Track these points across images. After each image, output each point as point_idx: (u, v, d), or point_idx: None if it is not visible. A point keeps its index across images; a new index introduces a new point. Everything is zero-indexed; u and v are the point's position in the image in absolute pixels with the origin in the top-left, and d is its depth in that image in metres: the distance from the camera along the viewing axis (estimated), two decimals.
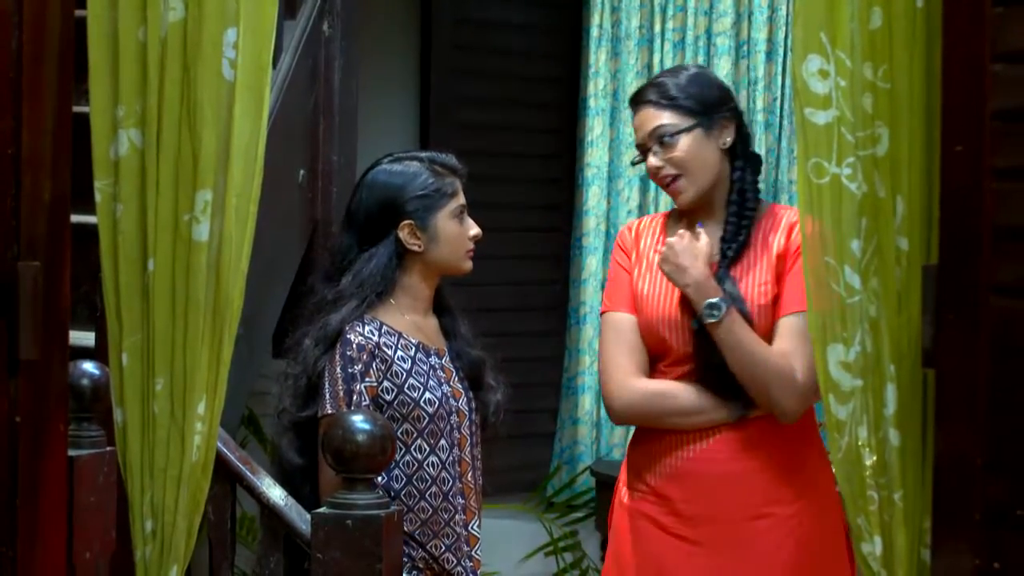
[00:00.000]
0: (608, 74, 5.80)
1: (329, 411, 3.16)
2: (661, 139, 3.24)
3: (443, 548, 3.21)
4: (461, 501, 3.23)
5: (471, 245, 3.37)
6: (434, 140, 5.59)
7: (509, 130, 5.81)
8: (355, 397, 3.13)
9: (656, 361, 3.30)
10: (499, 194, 5.63)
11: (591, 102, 5.79)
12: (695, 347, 3.22)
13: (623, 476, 3.37)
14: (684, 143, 3.24)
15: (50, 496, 2.39)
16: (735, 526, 3.21)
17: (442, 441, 3.20)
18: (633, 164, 3.43)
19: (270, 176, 2.84)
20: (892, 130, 2.35)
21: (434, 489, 3.19)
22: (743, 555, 3.20)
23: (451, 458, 3.21)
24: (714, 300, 3.16)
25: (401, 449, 3.17)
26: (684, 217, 3.34)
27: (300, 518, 3.35)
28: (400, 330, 3.24)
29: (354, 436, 3.02)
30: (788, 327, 3.18)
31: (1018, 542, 2.15)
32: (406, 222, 3.28)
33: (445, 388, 3.25)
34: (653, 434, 3.30)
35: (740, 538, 3.20)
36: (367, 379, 3.16)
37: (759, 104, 5.65)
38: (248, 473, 3.42)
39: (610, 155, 5.80)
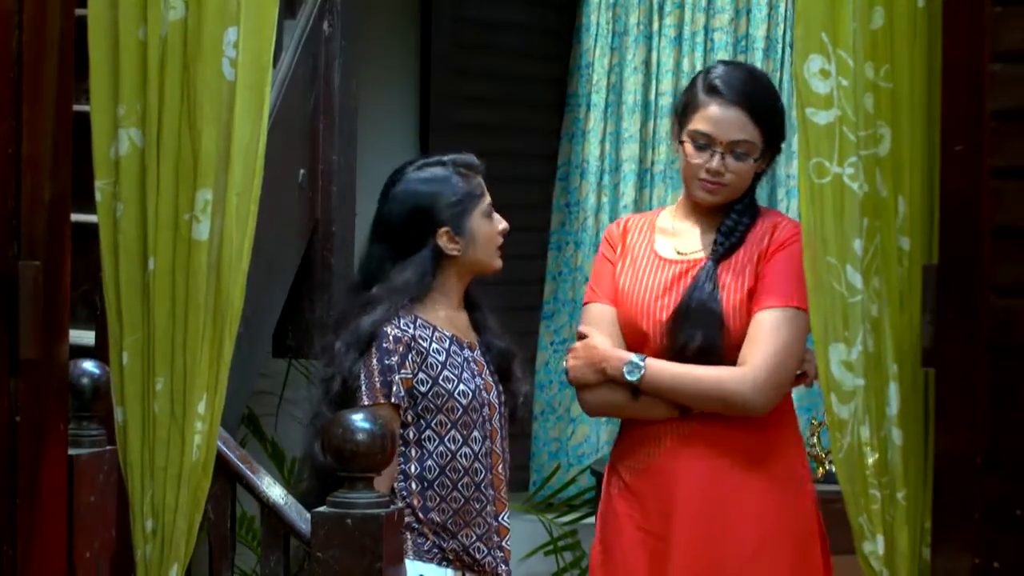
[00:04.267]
0: (603, 69, 5.80)
1: (366, 402, 3.19)
2: (736, 152, 3.25)
3: (473, 538, 3.24)
4: (492, 492, 3.27)
5: (500, 240, 3.40)
6: (434, 140, 5.58)
7: (509, 130, 5.80)
8: (393, 388, 3.19)
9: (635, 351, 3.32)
10: (499, 194, 5.60)
11: (584, 98, 5.79)
12: (670, 338, 3.24)
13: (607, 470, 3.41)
14: (748, 165, 3.28)
15: (50, 495, 2.40)
16: (707, 522, 3.22)
17: (475, 432, 3.25)
18: (681, 142, 3.35)
19: (270, 175, 2.84)
20: (894, 130, 2.36)
21: (466, 480, 3.24)
22: (715, 551, 3.21)
23: (483, 449, 3.26)
24: (628, 361, 3.25)
25: (435, 440, 3.23)
26: (683, 211, 3.36)
27: (300, 517, 3.35)
28: (435, 323, 3.28)
29: (354, 435, 3.02)
30: (755, 321, 3.22)
31: (1018, 541, 2.16)
32: (444, 229, 3.31)
33: (478, 380, 3.29)
34: (629, 429, 3.33)
35: (712, 534, 3.21)
36: (403, 371, 3.21)
37: None
38: (248, 472, 3.41)
39: (602, 149, 5.80)
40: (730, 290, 3.24)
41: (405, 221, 3.33)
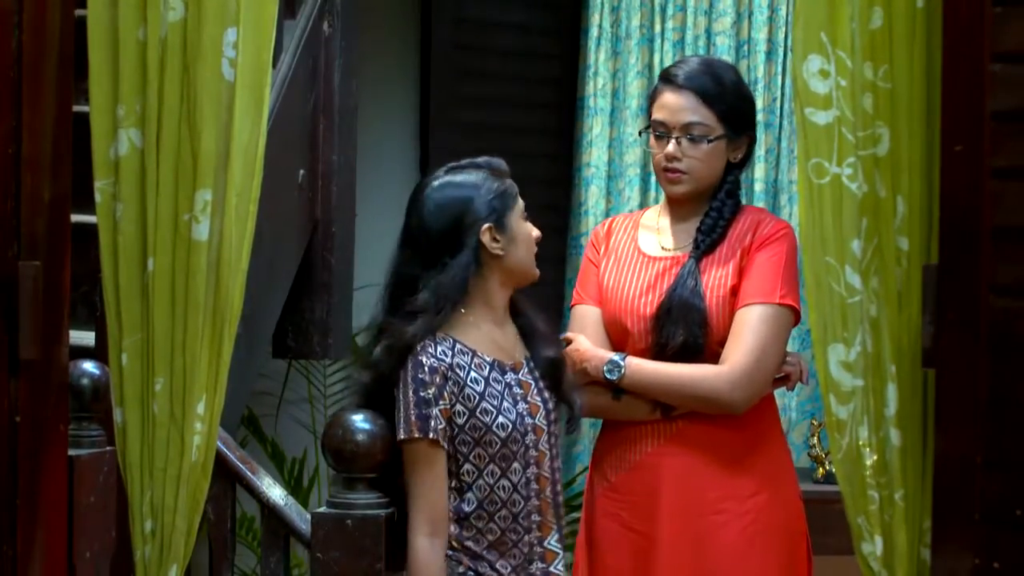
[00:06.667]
0: (608, 73, 5.81)
1: (403, 436, 3.02)
2: (689, 134, 3.26)
3: (508, 568, 3.09)
4: (536, 518, 3.11)
5: (536, 248, 3.24)
6: (434, 140, 5.58)
7: (509, 130, 5.80)
8: (431, 423, 3.00)
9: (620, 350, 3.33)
10: None
11: (590, 101, 5.79)
12: (653, 335, 3.25)
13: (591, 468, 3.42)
14: (707, 149, 3.27)
15: (50, 496, 2.40)
16: (692, 521, 3.22)
17: (515, 464, 3.08)
18: (640, 133, 3.39)
19: (270, 176, 2.84)
20: (893, 130, 2.36)
21: (503, 512, 3.07)
22: (700, 550, 3.22)
23: (523, 479, 3.09)
24: (609, 360, 3.25)
25: (473, 473, 3.05)
26: (666, 208, 3.37)
27: (300, 518, 3.35)
28: (474, 347, 3.09)
29: (354, 436, 3.02)
30: (738, 318, 3.22)
31: (1018, 541, 2.16)
32: (486, 226, 3.13)
33: (521, 407, 3.11)
34: (613, 427, 3.34)
35: (697, 533, 3.22)
36: (440, 402, 3.02)
37: (759, 104, 5.63)
38: (248, 473, 3.42)
39: (609, 154, 5.80)
40: (713, 287, 3.24)
41: (444, 222, 3.14)
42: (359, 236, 4.73)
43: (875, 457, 2.40)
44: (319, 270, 4.49)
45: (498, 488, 3.07)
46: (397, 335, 3.05)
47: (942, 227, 2.26)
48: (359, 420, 3.03)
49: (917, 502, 2.38)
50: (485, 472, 3.06)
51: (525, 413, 3.10)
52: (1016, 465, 2.17)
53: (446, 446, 3.01)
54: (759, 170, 5.44)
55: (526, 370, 3.16)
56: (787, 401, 5.19)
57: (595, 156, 5.74)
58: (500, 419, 3.05)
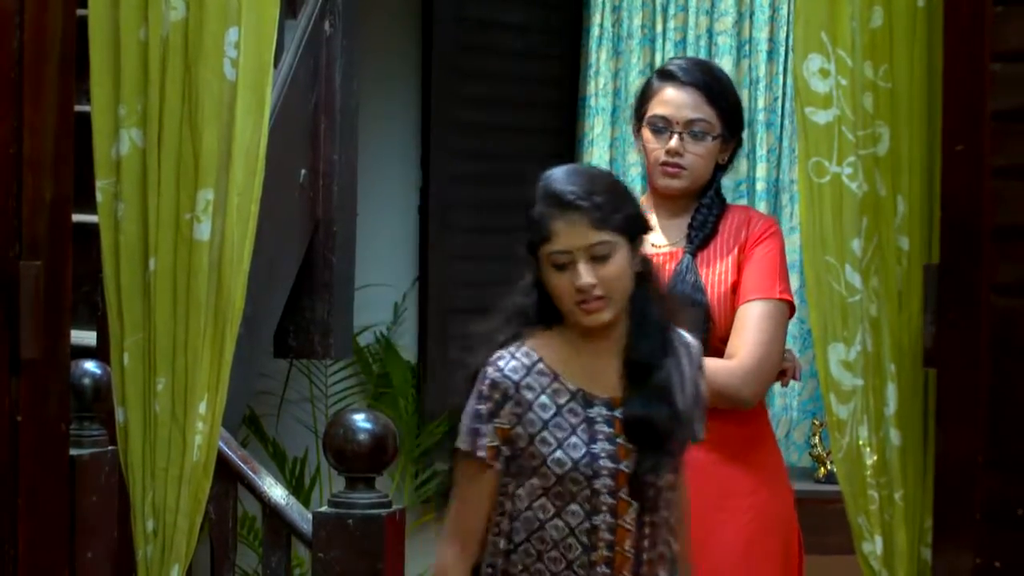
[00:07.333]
0: (609, 73, 5.81)
1: (457, 445, 2.80)
2: (692, 130, 3.27)
3: None
4: (605, 571, 2.75)
5: (580, 297, 2.79)
6: (434, 140, 5.58)
7: (510, 130, 5.80)
8: (480, 439, 2.74)
9: None
10: (499, 194, 5.63)
11: (591, 101, 5.79)
12: None
13: None
14: (708, 146, 3.30)
15: (52, 496, 2.40)
16: (694, 518, 3.23)
17: (573, 506, 2.74)
18: (639, 129, 3.37)
19: (271, 176, 2.84)
20: (893, 129, 2.36)
21: (555, 554, 2.76)
22: (703, 547, 3.22)
23: (587, 526, 2.75)
24: None
25: (525, 500, 2.77)
26: (652, 204, 3.37)
27: (301, 518, 3.35)
28: (558, 371, 2.78)
29: (355, 436, 3.02)
30: (741, 314, 3.24)
31: (1018, 540, 2.16)
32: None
33: (598, 447, 2.75)
34: None
35: (699, 530, 3.22)
36: (496, 419, 2.75)
37: (760, 103, 5.64)
38: (249, 472, 3.42)
39: (611, 154, 5.80)
40: (713, 283, 3.27)
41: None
42: (360, 236, 4.74)
43: (875, 457, 2.40)
44: (320, 270, 4.50)
45: (550, 527, 2.77)
46: (471, 367, 2.82)
47: (943, 226, 2.26)
48: (360, 420, 3.04)
49: (917, 501, 2.38)
50: (535, 505, 2.78)
51: (604, 455, 2.75)
52: (1017, 464, 2.17)
53: (496, 465, 2.75)
54: (760, 169, 5.44)
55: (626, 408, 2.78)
56: (788, 400, 5.20)
57: (596, 156, 5.74)
58: (558, 454, 2.75)
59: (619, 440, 2.75)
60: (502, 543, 2.78)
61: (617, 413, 2.76)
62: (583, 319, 2.73)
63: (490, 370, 2.76)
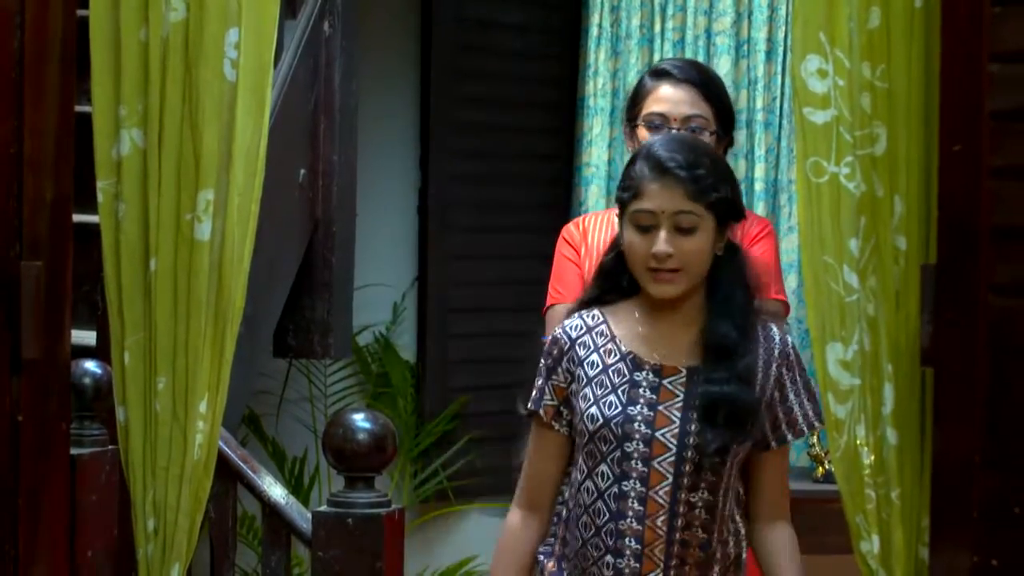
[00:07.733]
0: (608, 73, 5.81)
1: (527, 406, 2.80)
2: (690, 126, 3.28)
3: None
4: (632, 545, 2.67)
5: (653, 263, 2.78)
6: (434, 140, 5.59)
7: (509, 130, 5.81)
8: (540, 396, 2.77)
9: None
10: (499, 194, 5.63)
11: (590, 101, 5.80)
12: None
13: None
14: (705, 141, 3.30)
15: (52, 495, 2.40)
16: None
17: (602, 467, 2.69)
18: (634, 128, 3.38)
19: (271, 176, 2.84)
20: (890, 129, 2.36)
21: (586, 519, 2.70)
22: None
23: (616, 490, 2.68)
24: None
25: (574, 464, 2.77)
26: None
27: (301, 517, 3.36)
28: (617, 334, 2.76)
29: (354, 435, 3.03)
30: None
31: (1016, 539, 2.16)
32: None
33: (635, 410, 2.69)
34: None
35: None
36: (554, 378, 2.76)
37: (759, 103, 5.65)
38: (249, 472, 3.42)
39: (609, 154, 5.81)
40: None
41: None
42: (359, 236, 4.74)
43: (872, 456, 2.40)
44: (320, 269, 4.50)
45: (583, 490, 2.72)
46: None
47: (940, 226, 2.27)
48: (360, 419, 3.04)
49: (915, 500, 2.38)
50: (576, 465, 2.76)
51: (640, 419, 2.69)
52: (1014, 463, 2.17)
53: (558, 427, 2.76)
54: (759, 169, 5.44)
55: (683, 381, 2.73)
56: None
57: (595, 156, 5.74)
58: (593, 409, 2.71)
59: (661, 408, 2.70)
60: (564, 511, 2.77)
61: (670, 382, 2.72)
62: (651, 288, 2.74)
63: (557, 328, 2.81)
